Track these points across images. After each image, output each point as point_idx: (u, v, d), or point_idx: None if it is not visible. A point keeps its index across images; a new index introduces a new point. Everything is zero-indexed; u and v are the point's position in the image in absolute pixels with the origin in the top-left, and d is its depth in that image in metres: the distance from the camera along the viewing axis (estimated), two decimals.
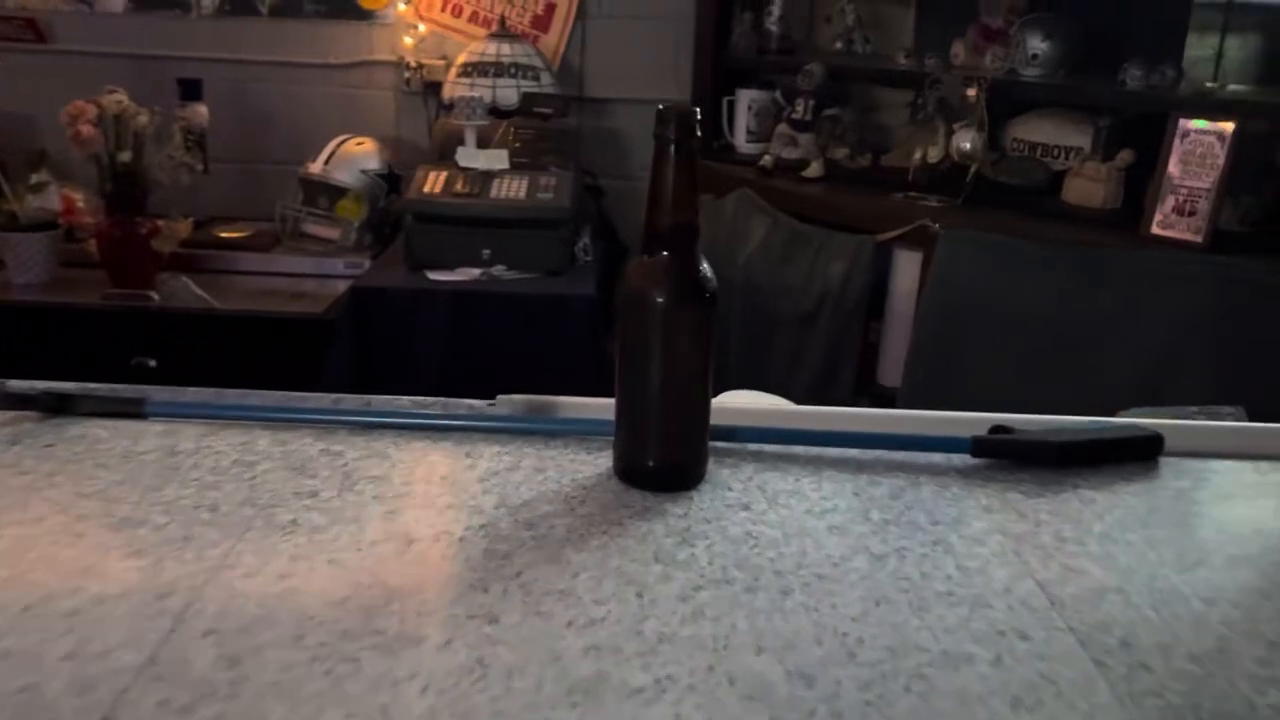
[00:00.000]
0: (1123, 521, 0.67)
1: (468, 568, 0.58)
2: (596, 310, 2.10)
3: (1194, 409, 1.77)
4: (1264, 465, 0.77)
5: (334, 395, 0.83)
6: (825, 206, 2.22)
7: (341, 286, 2.19)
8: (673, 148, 0.63)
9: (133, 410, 0.74)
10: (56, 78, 2.59)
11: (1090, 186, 2.03)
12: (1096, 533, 0.65)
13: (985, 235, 1.95)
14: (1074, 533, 0.65)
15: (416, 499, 0.65)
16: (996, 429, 0.76)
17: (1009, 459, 0.74)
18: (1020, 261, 1.92)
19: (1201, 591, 0.59)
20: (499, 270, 2.14)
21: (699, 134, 0.63)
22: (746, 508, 0.66)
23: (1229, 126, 1.81)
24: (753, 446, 0.75)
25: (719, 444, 0.75)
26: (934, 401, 1.99)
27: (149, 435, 0.73)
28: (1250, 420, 1.74)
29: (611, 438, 0.69)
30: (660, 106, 0.63)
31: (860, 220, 2.14)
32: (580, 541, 0.61)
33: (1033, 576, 0.60)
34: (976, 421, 0.79)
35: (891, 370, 2.12)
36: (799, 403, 2.19)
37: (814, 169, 2.30)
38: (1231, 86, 1.96)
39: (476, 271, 2.13)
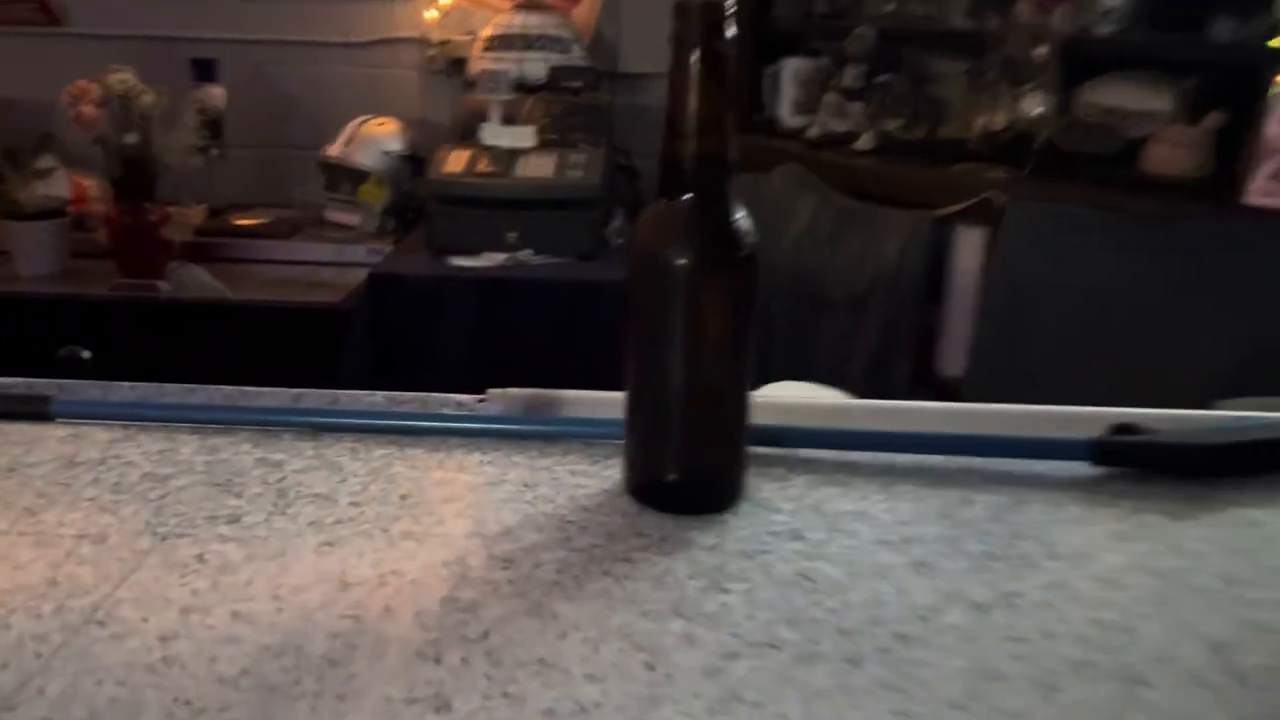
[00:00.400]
0: None
1: (417, 625, 0.42)
2: None
3: None
4: None
5: (295, 391, 0.68)
6: (878, 181, 2.04)
7: (362, 275, 2.05)
8: (696, 51, 0.47)
9: (35, 411, 0.60)
10: (70, 61, 2.48)
11: (1174, 153, 1.83)
12: (1271, 568, 0.49)
13: (1057, 208, 1.76)
14: (1248, 571, 0.48)
15: (363, 526, 0.50)
16: (1120, 428, 0.59)
17: (1140, 467, 0.57)
18: (1097, 236, 1.73)
19: None
20: (526, 255, 1.99)
21: (732, 31, 0.47)
22: (799, 537, 0.50)
23: None
24: (805, 453, 0.59)
25: (761, 450, 0.59)
26: (1002, 393, 1.81)
27: (48, 441, 0.58)
28: None
29: (623, 442, 0.54)
30: None
31: (916, 195, 1.96)
32: (574, 587, 0.45)
33: (1201, 636, 0.43)
34: (1089, 419, 0.62)
35: (953, 358, 1.94)
36: (852, 394, 2.02)
37: (865, 141, 2.12)
38: None
39: (502, 256, 1.98)
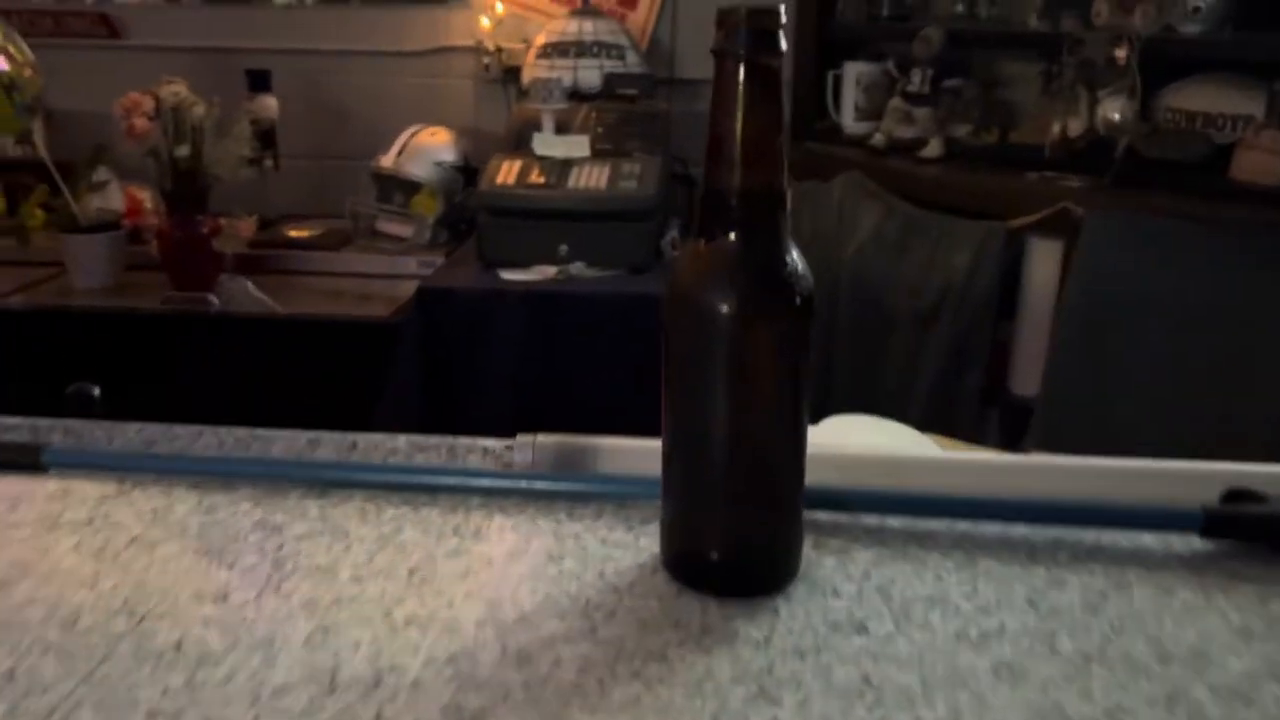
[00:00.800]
0: None
1: None
2: None
3: None
4: None
5: (312, 434, 0.63)
6: (946, 189, 1.95)
7: (413, 287, 2.02)
8: (742, 69, 0.40)
9: (26, 461, 0.55)
10: (127, 72, 2.49)
11: (1267, 160, 1.71)
12: None
13: (1140, 218, 1.65)
14: None
15: (364, 607, 0.44)
16: (1234, 494, 0.51)
17: (1261, 542, 0.49)
18: (1183, 248, 1.62)
19: None
20: (577, 267, 1.93)
21: (784, 47, 0.41)
22: (862, 629, 0.43)
23: None
24: (870, 518, 0.52)
25: (819, 515, 0.52)
26: (1080, 416, 1.71)
27: (35, 497, 0.53)
28: None
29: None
30: (722, 6, 0.41)
31: (987, 204, 1.86)
32: (598, 693, 0.39)
33: None
34: (1198, 477, 0.54)
35: (1026, 377, 1.84)
36: (919, 415, 1.93)
37: (933, 147, 2.03)
38: None
39: (553, 270, 1.93)
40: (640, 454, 0.60)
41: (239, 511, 0.52)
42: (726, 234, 0.42)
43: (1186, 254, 1.62)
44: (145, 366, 1.99)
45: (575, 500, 0.54)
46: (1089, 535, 0.51)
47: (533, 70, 2.26)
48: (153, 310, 2.00)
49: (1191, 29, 1.78)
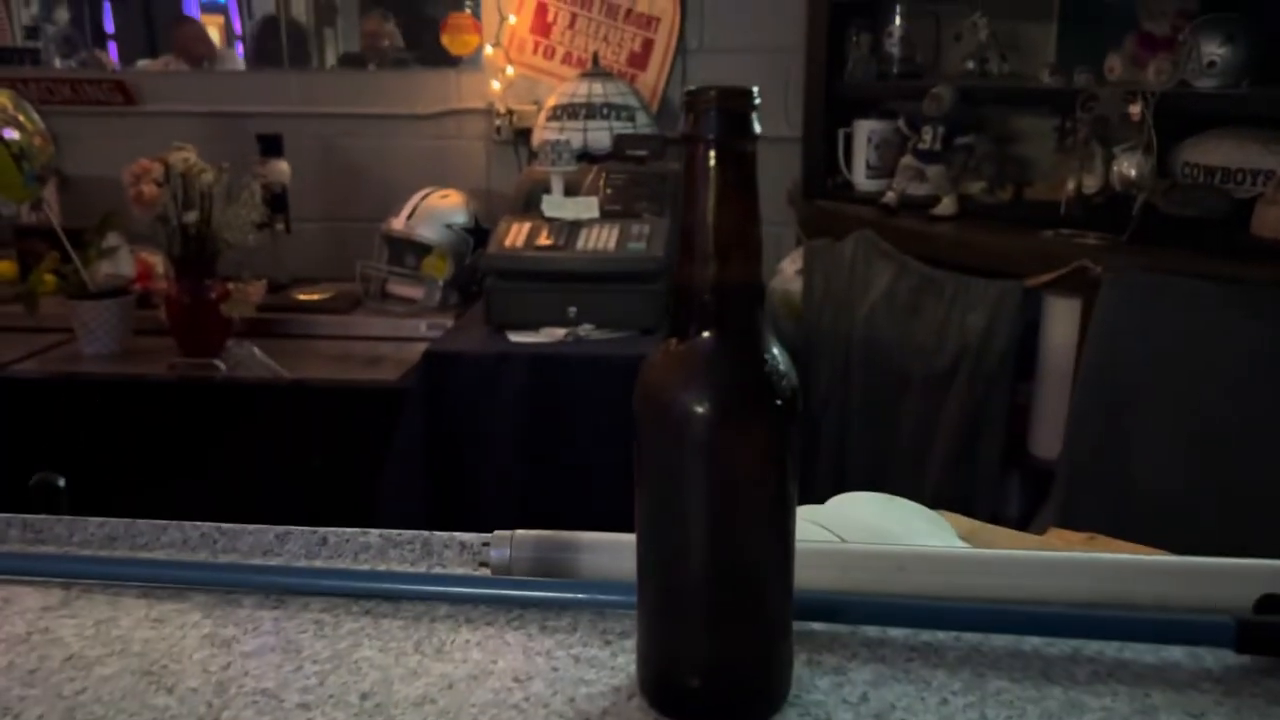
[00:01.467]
0: None
1: None
2: None
3: None
4: None
5: (282, 529, 0.60)
6: (960, 248, 1.92)
7: (423, 350, 2.00)
8: (712, 155, 0.37)
9: None
10: (144, 138, 2.51)
11: None
12: None
13: (1158, 278, 1.61)
14: None
15: None
16: (1269, 601, 0.47)
17: None
18: (1204, 308, 1.58)
19: None
20: (586, 330, 1.90)
21: (757, 131, 0.38)
22: None
23: None
24: (870, 630, 0.48)
25: (814, 625, 0.48)
26: (1103, 480, 1.66)
27: None
28: None
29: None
30: (690, 88, 0.38)
31: (1003, 263, 1.82)
32: None
33: None
34: (1236, 575, 0.50)
35: (1047, 439, 1.79)
36: (936, 480, 1.88)
37: (946, 205, 2.00)
38: None
39: (561, 332, 1.90)
40: (629, 550, 0.57)
41: (187, 624, 0.49)
42: (700, 332, 0.39)
43: (1207, 312, 1.58)
44: (152, 432, 1.97)
45: (550, 609, 0.50)
46: (1111, 648, 0.46)
47: (542, 132, 2.25)
48: (159, 376, 1.99)
49: (1207, 84, 1.76)
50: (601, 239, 1.96)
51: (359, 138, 2.60)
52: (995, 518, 1.79)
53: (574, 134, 2.19)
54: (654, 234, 1.98)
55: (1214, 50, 1.75)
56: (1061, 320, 1.74)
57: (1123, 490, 1.64)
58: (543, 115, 2.29)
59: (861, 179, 2.23)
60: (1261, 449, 1.54)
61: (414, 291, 2.27)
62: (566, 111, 2.24)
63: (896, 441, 2.01)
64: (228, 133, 2.42)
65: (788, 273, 2.36)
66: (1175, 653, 0.46)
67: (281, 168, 2.34)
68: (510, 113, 2.47)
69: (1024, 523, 1.80)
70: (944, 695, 0.43)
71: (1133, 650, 0.46)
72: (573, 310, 1.91)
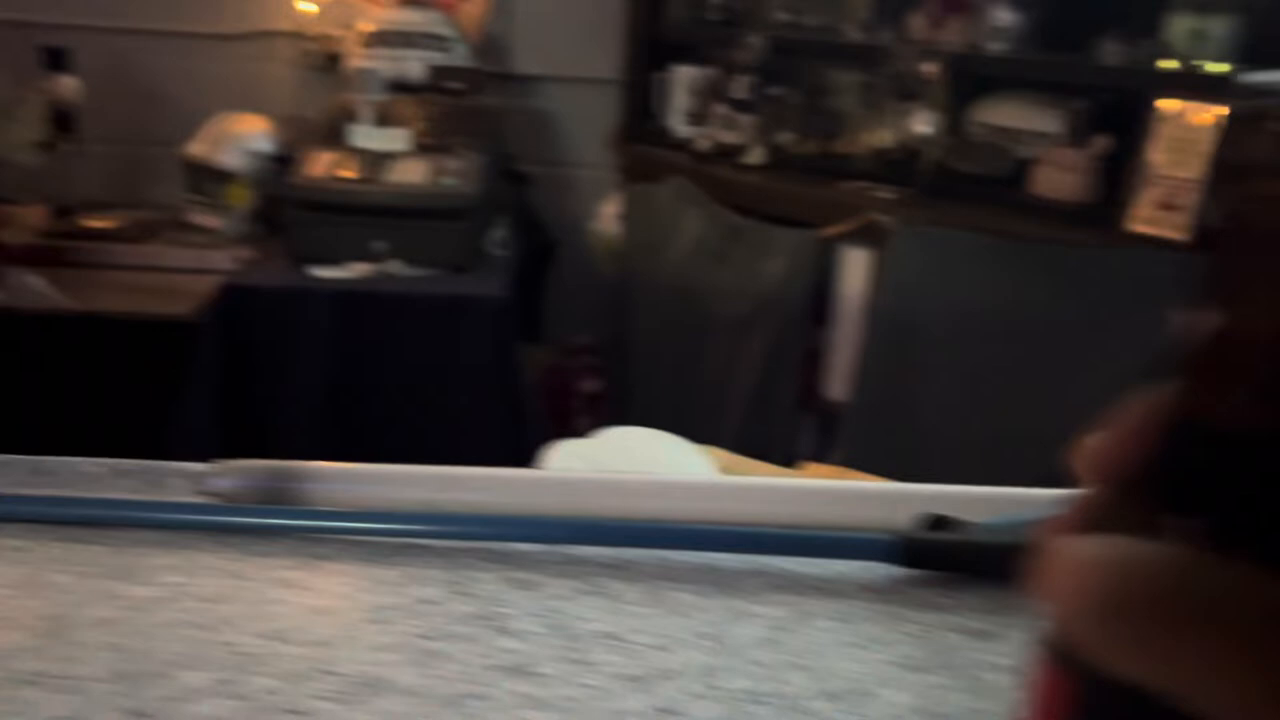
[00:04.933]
0: None
1: None
2: (507, 313, 1.84)
3: None
4: None
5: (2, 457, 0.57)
6: (767, 197, 1.98)
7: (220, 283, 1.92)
8: None
9: None
10: None
11: (1061, 176, 1.80)
12: None
13: (943, 231, 1.71)
14: None
15: None
16: (936, 522, 0.51)
17: (953, 571, 0.50)
18: (982, 261, 1.68)
19: None
20: (394, 266, 1.87)
21: None
22: (527, 674, 0.41)
23: (1216, 110, 1.58)
24: (576, 550, 0.50)
25: (522, 546, 0.50)
26: (886, 421, 1.76)
27: None
28: None
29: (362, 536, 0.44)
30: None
31: (804, 212, 1.89)
32: None
33: None
34: (912, 499, 0.55)
35: (838, 382, 1.88)
36: (736, 422, 1.95)
37: (755, 155, 2.05)
38: (1220, 65, 1.73)
39: (368, 267, 1.87)
40: (353, 478, 0.57)
41: None
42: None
43: (987, 265, 1.69)
44: None
45: (260, 535, 0.50)
46: (789, 563, 0.50)
47: (355, 59, 2.18)
48: None
49: (997, 47, 1.85)
50: (412, 172, 1.92)
51: (159, 56, 2.45)
52: (790, 458, 1.88)
53: (387, 63, 2.12)
54: (467, 169, 1.95)
55: (1004, 15, 1.85)
56: (854, 270, 1.83)
57: (906, 430, 1.74)
58: (355, 42, 2.21)
59: (679, 125, 2.25)
60: (1033, 392, 1.67)
61: (214, 221, 2.18)
62: (380, 39, 2.17)
63: (703, 384, 2.08)
64: (6, 44, 2.23)
65: (607, 216, 2.38)
66: (846, 567, 0.50)
67: (68, 84, 2.18)
68: (322, 37, 2.37)
69: (818, 461, 1.89)
70: (630, 606, 0.46)
71: (808, 565, 0.50)
72: (380, 245, 1.88)
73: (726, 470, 0.90)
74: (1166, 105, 1.63)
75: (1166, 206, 1.60)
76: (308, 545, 0.50)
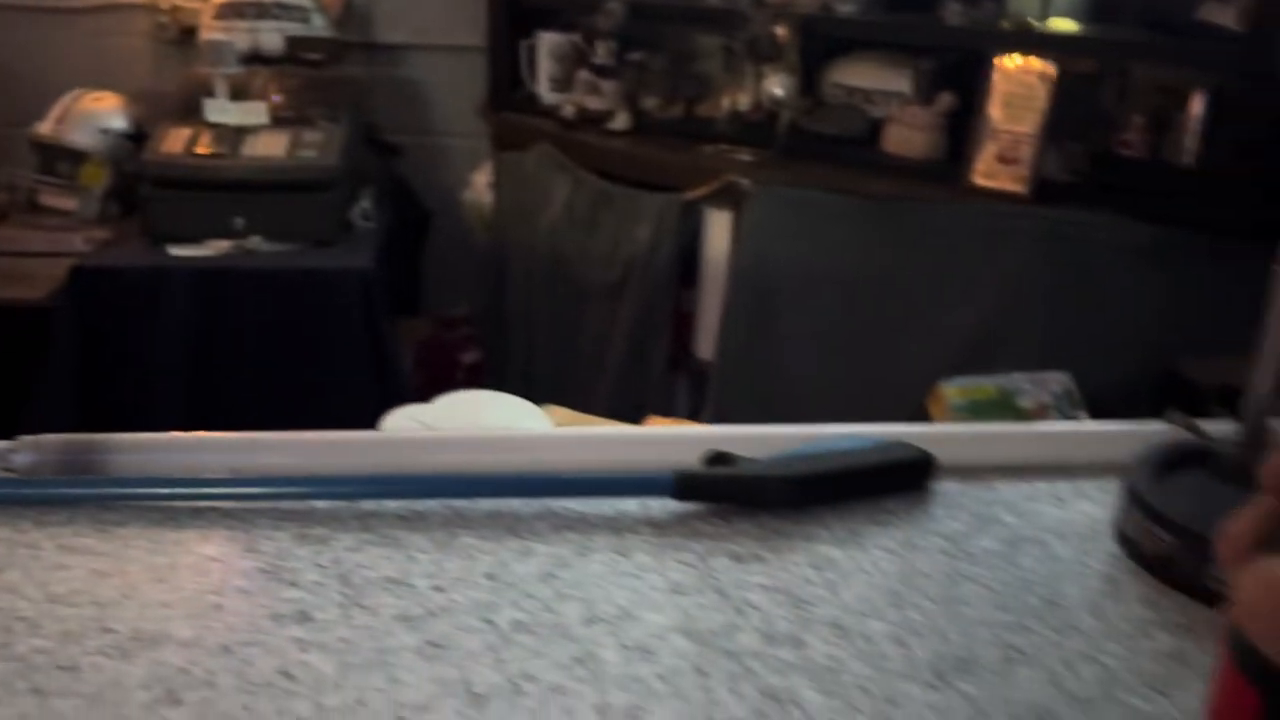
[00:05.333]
0: (867, 599, 0.47)
1: None
2: (374, 286, 1.83)
3: (1021, 376, 1.63)
4: (1063, 487, 0.58)
5: None
6: (632, 162, 2.00)
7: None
8: None
9: None
10: None
11: (911, 134, 1.86)
12: (823, 621, 0.45)
13: (798, 191, 1.76)
14: (789, 624, 0.44)
15: None
16: (714, 457, 0.55)
17: (727, 502, 0.53)
18: (836, 219, 1.74)
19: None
20: (255, 242, 1.84)
21: None
22: (306, 618, 0.43)
23: (1051, 66, 1.66)
24: (368, 504, 0.52)
25: (317, 504, 0.51)
26: (749, 378, 1.81)
27: None
28: (1079, 386, 1.60)
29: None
30: None
31: (669, 177, 1.93)
32: None
33: (711, 715, 0.39)
34: (704, 440, 0.58)
35: (707, 341, 1.93)
36: (612, 384, 1.98)
37: (620, 120, 2.07)
38: (1055, 22, 1.81)
39: (227, 244, 1.83)
40: (157, 447, 0.58)
41: None
42: None
43: (839, 222, 1.74)
44: None
45: (50, 506, 0.50)
46: (577, 504, 0.53)
47: (209, 31, 2.12)
48: None
49: (847, 9, 1.90)
50: (270, 146, 1.89)
51: (5, 31, 2.35)
52: (666, 416, 1.92)
53: (242, 35, 2.07)
54: (328, 141, 1.93)
55: None
56: (717, 231, 1.87)
57: (768, 382, 1.80)
58: (209, 13, 2.15)
59: (545, 91, 2.26)
60: (886, 341, 1.73)
61: (68, 202, 2.11)
62: (234, 10, 2.12)
63: (579, 350, 2.10)
64: None
65: (479, 185, 2.38)
66: (630, 505, 0.53)
67: None
68: (175, 9, 2.30)
69: (691, 420, 1.94)
70: (411, 554, 0.48)
71: (595, 505, 0.53)
72: (240, 221, 1.85)
73: (562, 426, 0.93)
74: (1004, 62, 1.70)
75: (1005, 160, 1.68)
76: (103, 514, 0.51)
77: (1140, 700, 0.41)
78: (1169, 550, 0.48)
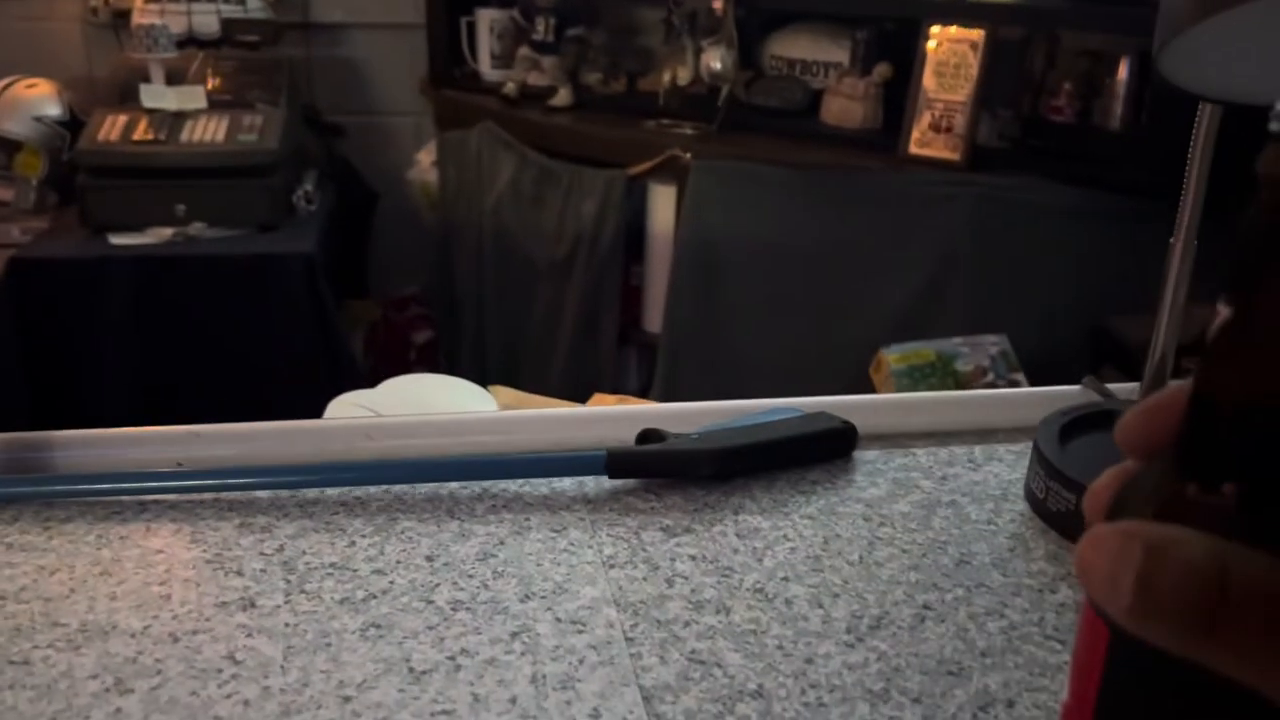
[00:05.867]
0: (789, 565, 0.49)
1: None
2: (319, 269, 1.82)
3: (958, 340, 1.67)
4: (979, 451, 0.61)
5: None
6: (574, 138, 2.01)
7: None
8: None
9: None
10: None
11: (848, 105, 1.89)
12: (748, 588, 0.47)
13: (738, 164, 1.78)
14: (717, 591, 0.47)
15: None
16: (645, 434, 0.57)
17: (657, 477, 0.56)
18: (776, 191, 1.76)
19: (874, 682, 0.42)
20: (197, 228, 1.83)
21: None
22: (250, 605, 0.45)
23: (981, 34, 1.69)
24: (310, 493, 0.54)
25: (258, 494, 0.53)
26: (696, 349, 1.84)
27: None
28: (1015, 348, 1.65)
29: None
30: None
31: (612, 153, 1.93)
32: None
33: (639, 681, 0.41)
34: (636, 418, 0.60)
35: (656, 316, 1.95)
36: (564, 361, 1.99)
37: (562, 96, 2.07)
38: None
39: (169, 232, 1.82)
40: (103, 443, 0.59)
41: None
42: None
43: (781, 196, 1.77)
44: None
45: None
46: (514, 486, 0.55)
47: (141, 15, 2.09)
48: None
49: None
50: (209, 131, 1.87)
51: None
52: (616, 391, 1.94)
53: (176, 17, 2.05)
54: (268, 124, 1.91)
55: None
56: (662, 206, 1.89)
57: (716, 354, 1.82)
58: None
59: (487, 69, 2.25)
60: (827, 309, 1.77)
61: (3, 193, 2.07)
62: None
63: (530, 327, 2.11)
64: None
65: (424, 164, 2.37)
66: (565, 484, 0.55)
67: None
68: None
69: (643, 394, 1.96)
70: (353, 539, 0.50)
71: (532, 486, 0.55)
72: (181, 208, 1.83)
73: (507, 407, 0.95)
74: (937, 31, 1.73)
75: (939, 129, 1.71)
76: (48, 511, 0.52)
77: (1043, 651, 0.44)
78: (1071, 508, 0.52)
